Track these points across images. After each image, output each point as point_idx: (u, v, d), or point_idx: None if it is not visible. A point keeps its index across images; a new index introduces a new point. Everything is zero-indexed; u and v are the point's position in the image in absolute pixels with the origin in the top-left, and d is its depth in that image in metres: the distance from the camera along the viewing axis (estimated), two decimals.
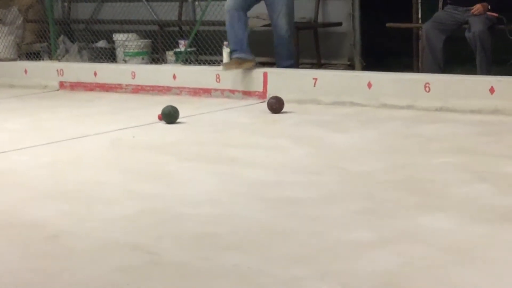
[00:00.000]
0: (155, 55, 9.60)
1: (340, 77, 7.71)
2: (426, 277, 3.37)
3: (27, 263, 3.75)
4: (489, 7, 7.63)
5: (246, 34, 7.96)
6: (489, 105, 6.79)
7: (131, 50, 9.53)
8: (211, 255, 3.73)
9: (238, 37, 7.90)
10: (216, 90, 8.22)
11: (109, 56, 9.76)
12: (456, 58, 8.36)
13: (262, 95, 7.94)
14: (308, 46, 8.80)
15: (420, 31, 8.31)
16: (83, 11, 10.91)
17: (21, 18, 10.75)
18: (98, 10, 10.72)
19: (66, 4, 11.05)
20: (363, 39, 8.73)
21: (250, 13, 8.11)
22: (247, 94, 8.04)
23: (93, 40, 10.23)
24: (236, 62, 7.91)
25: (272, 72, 8.06)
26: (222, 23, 8.56)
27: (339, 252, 3.71)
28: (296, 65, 8.26)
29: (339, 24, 8.78)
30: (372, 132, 6.28)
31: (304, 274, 3.45)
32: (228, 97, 8.12)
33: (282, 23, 7.90)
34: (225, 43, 8.42)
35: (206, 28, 9.17)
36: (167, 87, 8.59)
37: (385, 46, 9.62)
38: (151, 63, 9.48)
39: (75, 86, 9.29)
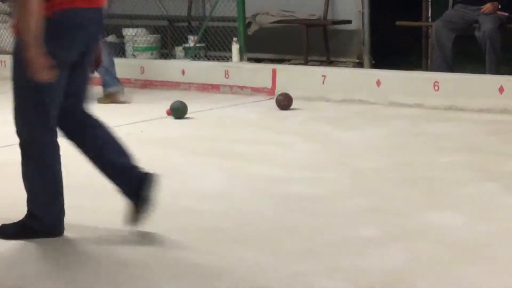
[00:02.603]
0: (164, 50, 9.60)
1: (349, 75, 7.70)
2: (433, 274, 3.37)
3: (34, 254, 3.76)
4: (500, 6, 7.60)
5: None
6: (498, 104, 6.77)
7: (140, 45, 9.52)
8: (218, 249, 3.73)
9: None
10: (225, 86, 8.22)
11: (118, 50, 9.75)
12: (466, 57, 8.35)
13: (270, 91, 7.93)
14: (317, 44, 8.79)
15: (429, 30, 8.29)
16: None
17: None
18: (107, 5, 10.71)
19: None
20: (373, 37, 8.71)
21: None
22: (255, 90, 8.03)
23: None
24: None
25: (281, 69, 8.05)
26: (232, 19, 8.55)
27: (346, 249, 3.71)
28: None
29: (349, 21, 8.77)
30: (381, 130, 6.27)
31: (311, 270, 3.46)
32: (236, 93, 8.11)
33: None
34: (234, 39, 8.42)
35: (215, 24, 9.15)
36: (176, 82, 8.58)
37: (394, 44, 9.61)
38: (160, 58, 9.47)
39: None
